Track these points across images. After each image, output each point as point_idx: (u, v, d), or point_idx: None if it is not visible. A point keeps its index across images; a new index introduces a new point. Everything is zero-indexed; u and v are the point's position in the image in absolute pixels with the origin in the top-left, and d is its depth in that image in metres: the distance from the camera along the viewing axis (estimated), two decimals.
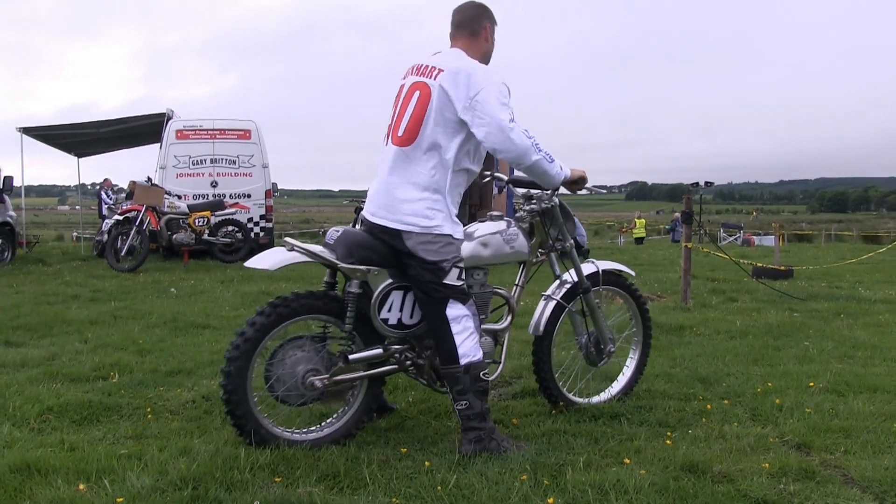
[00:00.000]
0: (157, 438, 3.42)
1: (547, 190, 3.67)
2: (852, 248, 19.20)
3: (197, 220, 12.41)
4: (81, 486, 2.80)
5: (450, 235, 3.29)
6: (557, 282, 3.90)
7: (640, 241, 28.46)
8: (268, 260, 3.36)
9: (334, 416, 3.47)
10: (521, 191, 3.87)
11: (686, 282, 8.17)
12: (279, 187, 16.37)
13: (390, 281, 3.36)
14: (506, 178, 4.01)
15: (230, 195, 13.86)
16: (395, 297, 3.37)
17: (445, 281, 3.26)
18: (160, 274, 10.77)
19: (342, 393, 3.42)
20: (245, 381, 3.17)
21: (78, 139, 16.54)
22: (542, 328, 3.84)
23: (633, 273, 4.17)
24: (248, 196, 14.16)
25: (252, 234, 13.58)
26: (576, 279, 3.87)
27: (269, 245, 14.71)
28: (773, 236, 24.19)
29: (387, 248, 3.33)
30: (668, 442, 3.39)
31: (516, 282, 3.81)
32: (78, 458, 3.09)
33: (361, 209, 14.64)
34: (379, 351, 3.41)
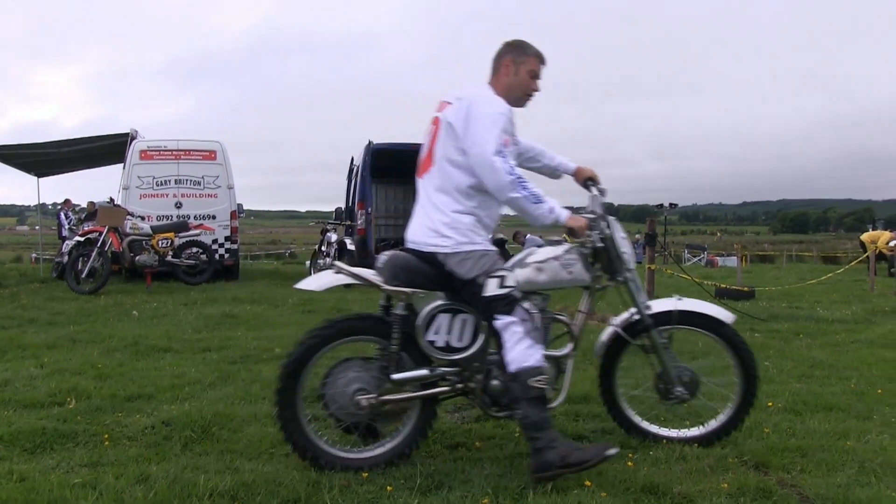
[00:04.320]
0: (114, 466, 3.35)
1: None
2: (812, 269, 19.61)
3: (160, 242, 12.26)
4: None
5: (481, 249, 3.35)
6: (628, 312, 3.72)
7: None
8: (315, 282, 3.53)
9: (389, 436, 3.49)
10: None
11: None
12: (245, 208, 16.25)
13: (438, 303, 3.39)
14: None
15: (195, 216, 13.73)
16: (443, 319, 3.39)
17: (486, 294, 3.28)
18: (122, 296, 10.59)
19: (397, 413, 3.46)
20: (295, 401, 3.31)
21: (39, 158, 16.26)
22: (598, 353, 3.79)
23: (729, 317, 3.69)
24: (213, 217, 14.02)
25: (217, 256, 13.44)
26: (648, 312, 3.64)
27: (235, 267, 14.58)
28: (735, 257, 24.62)
29: (434, 271, 3.37)
30: (629, 464, 3.40)
31: (580, 307, 3.64)
32: (28, 488, 3.01)
33: (328, 230, 14.47)
34: (424, 372, 3.41)
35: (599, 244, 3.46)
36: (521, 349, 3.21)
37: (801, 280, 14.62)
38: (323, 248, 14.12)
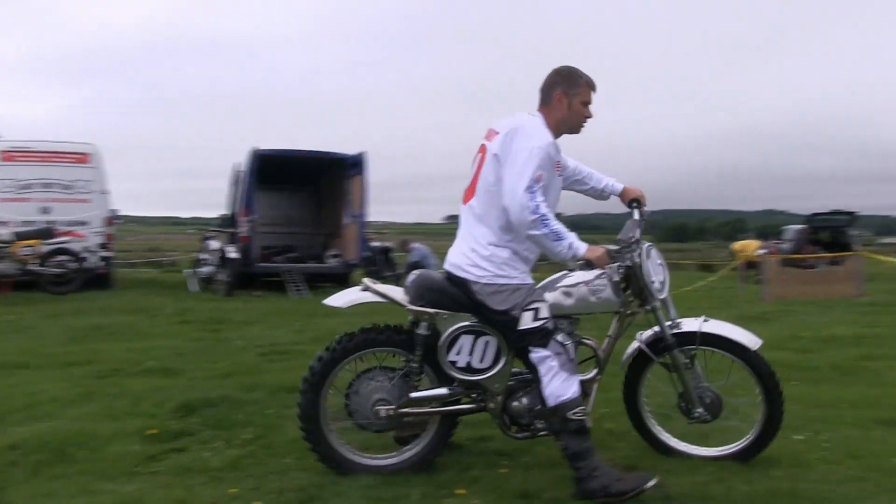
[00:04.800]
0: None
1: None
2: (689, 276, 20.48)
3: (22, 249, 11.48)
4: None
5: (515, 283, 3.34)
6: (653, 329, 3.67)
7: None
8: (341, 299, 3.58)
9: (412, 444, 3.56)
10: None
11: None
12: (123, 214, 15.48)
13: (461, 324, 3.40)
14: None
15: (64, 222, 12.96)
16: (465, 340, 3.41)
17: (520, 328, 3.28)
18: None
19: (419, 423, 3.53)
20: (318, 410, 3.41)
21: None
22: (623, 366, 3.79)
23: (753, 342, 3.55)
24: (85, 223, 13.28)
25: (90, 264, 12.73)
26: (672, 332, 3.58)
27: (109, 276, 13.87)
28: None
29: (462, 296, 3.39)
30: (503, 471, 3.43)
31: (609, 332, 3.62)
32: None
33: (208, 238, 13.96)
34: (443, 391, 3.47)
35: (620, 273, 3.43)
36: (558, 383, 3.23)
37: (678, 287, 15.29)
38: (204, 256, 13.66)
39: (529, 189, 3.17)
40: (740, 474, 3.38)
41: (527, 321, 3.27)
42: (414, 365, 3.44)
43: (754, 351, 3.52)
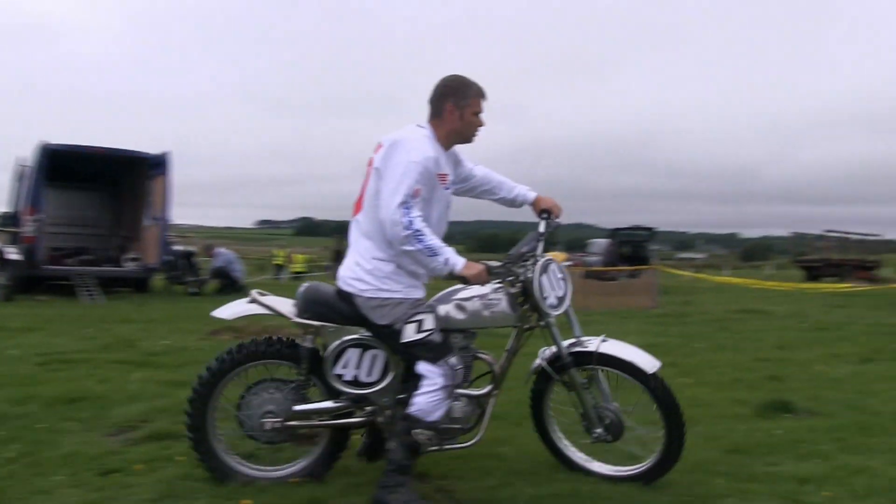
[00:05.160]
0: None
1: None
2: None
3: None
4: None
5: (398, 297, 3.28)
6: (549, 348, 3.58)
7: (299, 276, 28.47)
8: (227, 311, 3.49)
9: (302, 457, 3.50)
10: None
11: None
12: None
13: (347, 338, 3.35)
14: None
15: None
16: (352, 354, 3.35)
17: (403, 340, 3.22)
18: None
19: (310, 436, 3.49)
20: (205, 421, 3.37)
21: None
22: (525, 382, 3.70)
23: (650, 365, 3.41)
24: None
25: None
26: (570, 351, 3.50)
27: None
28: None
29: (350, 310, 3.33)
30: (293, 480, 3.37)
31: (507, 347, 3.51)
32: None
33: None
34: (328, 404, 3.41)
35: (517, 287, 3.37)
36: (428, 400, 3.20)
37: None
38: None
39: (404, 205, 3.14)
40: (527, 478, 3.52)
41: (409, 333, 3.22)
42: (301, 378, 3.40)
43: (652, 374, 3.41)
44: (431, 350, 3.23)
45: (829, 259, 30.97)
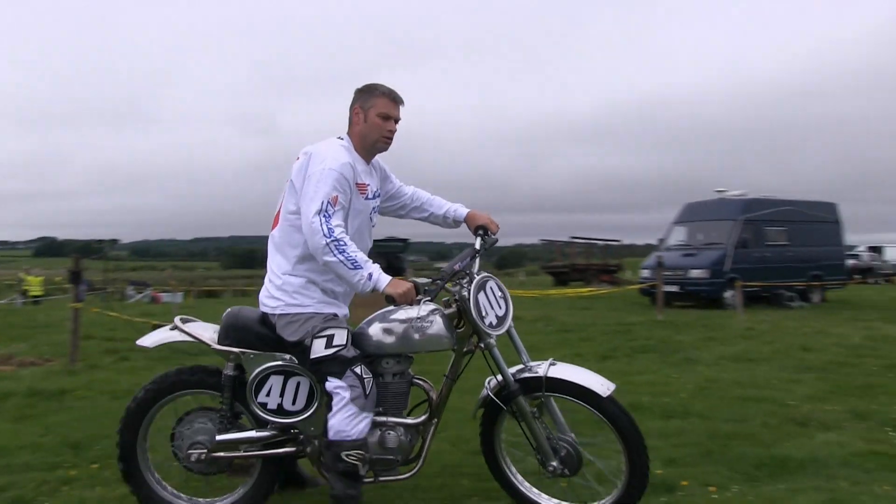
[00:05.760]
0: None
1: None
2: (253, 302, 20.82)
3: None
4: None
5: (309, 312, 3.14)
6: (496, 377, 3.30)
7: (37, 300, 25.93)
8: (150, 339, 3.37)
9: (237, 488, 3.38)
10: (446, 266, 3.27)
11: (74, 343, 7.87)
12: None
13: (268, 364, 3.16)
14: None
15: None
16: (275, 381, 3.16)
17: (312, 356, 3.06)
18: None
19: (248, 467, 3.34)
20: (134, 451, 3.29)
21: None
22: (473, 416, 3.43)
23: (604, 388, 3.13)
24: None
25: None
26: (516, 377, 3.24)
27: None
28: (181, 293, 24.94)
29: (270, 333, 3.19)
30: None
31: (445, 373, 3.28)
32: None
33: None
34: (252, 434, 3.25)
35: (452, 308, 3.21)
36: (342, 418, 3.01)
37: None
38: None
39: (322, 213, 3.00)
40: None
41: (318, 349, 3.05)
42: (224, 407, 3.25)
43: (607, 397, 3.13)
44: (341, 364, 3.04)
45: (575, 264, 33.67)
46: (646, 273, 17.46)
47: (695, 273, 17.09)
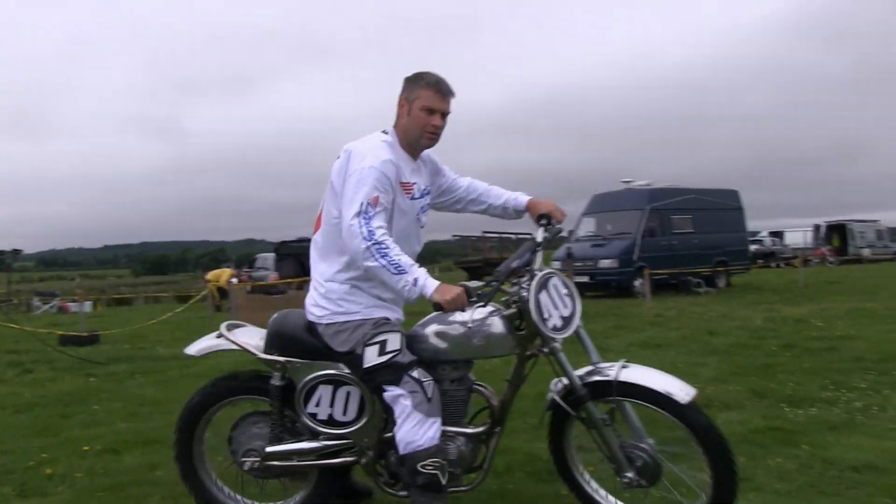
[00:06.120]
0: None
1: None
2: (165, 308, 20.31)
3: None
4: None
5: (358, 319, 2.92)
6: (561, 379, 3.01)
7: None
8: (196, 346, 3.27)
9: (294, 495, 3.27)
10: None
11: None
12: None
13: (316, 374, 3.00)
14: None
15: None
16: (324, 391, 3.01)
17: (365, 366, 2.85)
18: None
19: (305, 474, 3.19)
20: (191, 456, 3.25)
21: None
22: (540, 422, 3.17)
23: (683, 393, 2.82)
24: None
25: None
26: (583, 381, 2.93)
27: None
28: (89, 302, 24.00)
29: (317, 341, 2.99)
30: None
31: (508, 377, 3.03)
32: None
33: None
34: (302, 444, 3.10)
35: (512, 309, 2.90)
36: (409, 428, 2.77)
37: (150, 319, 15.07)
38: None
39: (362, 214, 2.74)
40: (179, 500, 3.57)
41: (371, 357, 2.83)
42: (274, 416, 3.12)
43: (687, 403, 2.81)
44: (396, 372, 2.81)
45: (489, 259, 34.01)
46: (556, 265, 17.85)
47: (604, 263, 17.53)
